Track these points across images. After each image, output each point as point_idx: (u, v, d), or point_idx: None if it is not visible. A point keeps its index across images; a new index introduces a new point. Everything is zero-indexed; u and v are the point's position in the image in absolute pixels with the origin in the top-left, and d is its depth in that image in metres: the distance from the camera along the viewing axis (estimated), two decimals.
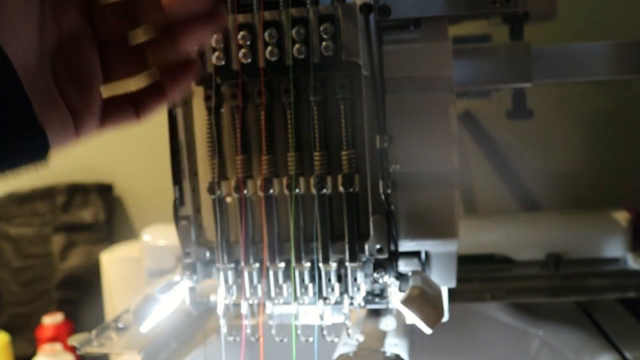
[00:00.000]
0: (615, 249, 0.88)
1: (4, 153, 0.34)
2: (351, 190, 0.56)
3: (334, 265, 0.58)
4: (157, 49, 0.41)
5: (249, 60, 0.55)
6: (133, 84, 0.43)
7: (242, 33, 0.55)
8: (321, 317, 0.59)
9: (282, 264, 0.59)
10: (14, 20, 0.36)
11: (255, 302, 0.60)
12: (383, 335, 0.70)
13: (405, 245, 0.57)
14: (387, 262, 0.57)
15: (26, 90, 0.35)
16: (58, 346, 1.00)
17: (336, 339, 0.62)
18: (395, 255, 0.57)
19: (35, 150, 0.35)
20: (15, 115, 0.34)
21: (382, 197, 0.55)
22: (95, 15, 0.42)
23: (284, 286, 0.60)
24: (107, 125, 0.42)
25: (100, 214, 1.31)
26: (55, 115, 0.38)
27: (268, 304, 0.60)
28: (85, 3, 0.41)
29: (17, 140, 0.34)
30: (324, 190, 0.57)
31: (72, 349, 0.74)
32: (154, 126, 0.55)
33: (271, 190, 0.58)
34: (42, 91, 0.38)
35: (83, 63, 0.41)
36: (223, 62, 0.56)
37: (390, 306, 0.61)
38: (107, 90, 0.42)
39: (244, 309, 0.60)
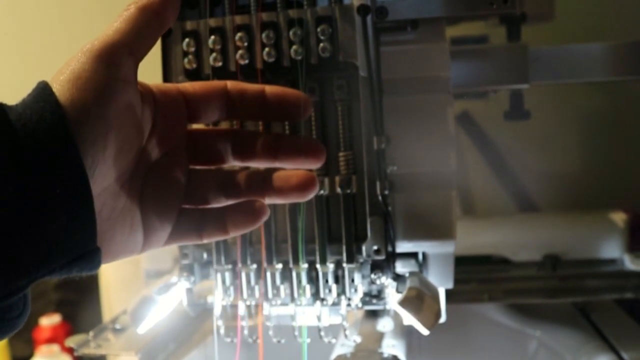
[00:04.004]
0: (612, 249, 0.88)
1: (55, 267, 0.33)
2: (348, 191, 0.56)
3: (331, 266, 0.58)
4: (247, 187, 0.41)
5: (247, 61, 0.55)
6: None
7: (239, 34, 0.55)
8: (319, 318, 0.59)
9: (280, 265, 0.59)
10: (118, 154, 0.36)
11: (253, 303, 0.60)
12: (380, 336, 0.70)
13: (402, 247, 0.57)
14: (384, 263, 0.57)
15: (104, 207, 0.35)
16: (55, 347, 1.00)
17: (334, 340, 0.62)
18: (393, 257, 0.57)
19: (86, 265, 0.35)
20: (75, 235, 0.33)
21: (380, 198, 0.55)
22: (196, 137, 0.42)
23: (282, 287, 0.60)
24: (170, 243, 0.42)
25: None
26: (128, 230, 0.38)
27: (265, 305, 0.60)
28: (192, 121, 0.41)
29: (69, 258, 0.33)
30: (322, 192, 0.57)
31: (70, 350, 0.75)
32: None
33: None
34: (122, 209, 0.38)
35: (172, 182, 0.40)
36: (220, 64, 0.56)
37: (388, 307, 0.61)
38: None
39: (241, 310, 0.60)
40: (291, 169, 0.42)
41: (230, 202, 0.41)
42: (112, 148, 0.35)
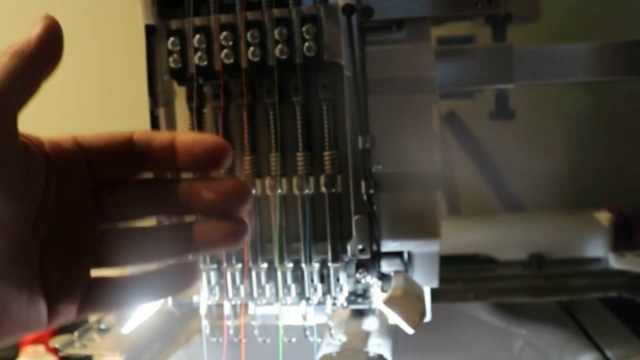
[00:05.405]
0: (597, 248, 0.89)
1: None
2: (334, 190, 0.56)
3: (316, 265, 0.58)
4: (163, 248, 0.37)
5: (231, 60, 0.55)
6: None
7: (224, 33, 0.55)
8: (304, 318, 0.59)
9: (265, 265, 0.59)
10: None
11: (238, 302, 0.60)
12: (366, 335, 0.70)
13: (387, 246, 0.57)
14: (369, 263, 0.57)
15: None
16: (40, 348, 0.99)
17: (319, 340, 0.62)
18: (378, 256, 0.57)
19: None
20: None
21: (365, 197, 0.55)
22: (102, 193, 0.37)
23: (267, 287, 0.60)
24: (86, 312, 0.37)
25: None
26: (26, 302, 0.33)
27: (250, 304, 0.60)
28: (93, 177, 0.37)
29: None
30: (307, 191, 0.57)
31: (55, 351, 0.74)
32: (137, 127, 0.54)
33: (254, 191, 0.58)
34: (14, 279, 0.33)
35: (78, 244, 0.36)
36: (205, 63, 0.56)
37: (373, 306, 0.61)
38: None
39: (227, 309, 0.60)
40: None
41: (151, 262, 0.37)
42: None
